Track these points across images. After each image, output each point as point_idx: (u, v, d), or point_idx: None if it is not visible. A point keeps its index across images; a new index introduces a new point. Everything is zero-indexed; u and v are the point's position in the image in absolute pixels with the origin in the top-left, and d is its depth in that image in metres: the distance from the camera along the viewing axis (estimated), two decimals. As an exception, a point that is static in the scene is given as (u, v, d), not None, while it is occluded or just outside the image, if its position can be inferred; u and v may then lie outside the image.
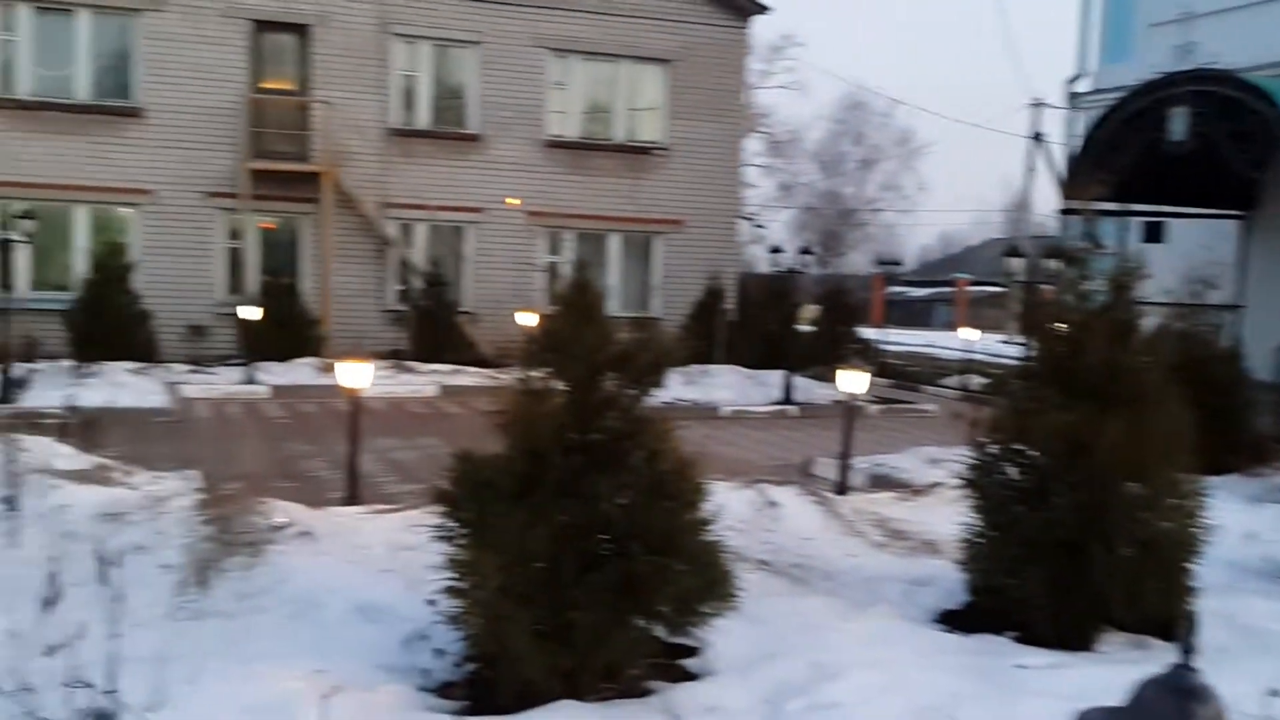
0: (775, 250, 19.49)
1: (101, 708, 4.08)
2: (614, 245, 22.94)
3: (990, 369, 22.85)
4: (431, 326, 20.06)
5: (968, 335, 21.46)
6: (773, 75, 42.37)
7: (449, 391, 17.53)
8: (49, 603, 4.37)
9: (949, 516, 6.99)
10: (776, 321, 20.26)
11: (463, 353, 20.11)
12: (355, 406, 8.85)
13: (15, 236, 14.27)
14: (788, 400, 17.09)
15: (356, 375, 8.78)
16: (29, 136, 19.13)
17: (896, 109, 51.41)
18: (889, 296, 27.65)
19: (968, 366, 20.95)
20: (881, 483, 10.35)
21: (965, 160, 79.13)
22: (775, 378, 17.80)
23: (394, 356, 19.45)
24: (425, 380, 17.98)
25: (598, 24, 22.17)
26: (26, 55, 19.36)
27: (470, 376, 18.62)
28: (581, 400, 5.05)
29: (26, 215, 15.11)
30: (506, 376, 16.55)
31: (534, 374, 5.19)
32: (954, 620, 5.94)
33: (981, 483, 5.95)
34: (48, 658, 4.25)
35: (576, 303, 5.43)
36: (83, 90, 19.70)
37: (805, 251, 19.98)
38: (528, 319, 18.83)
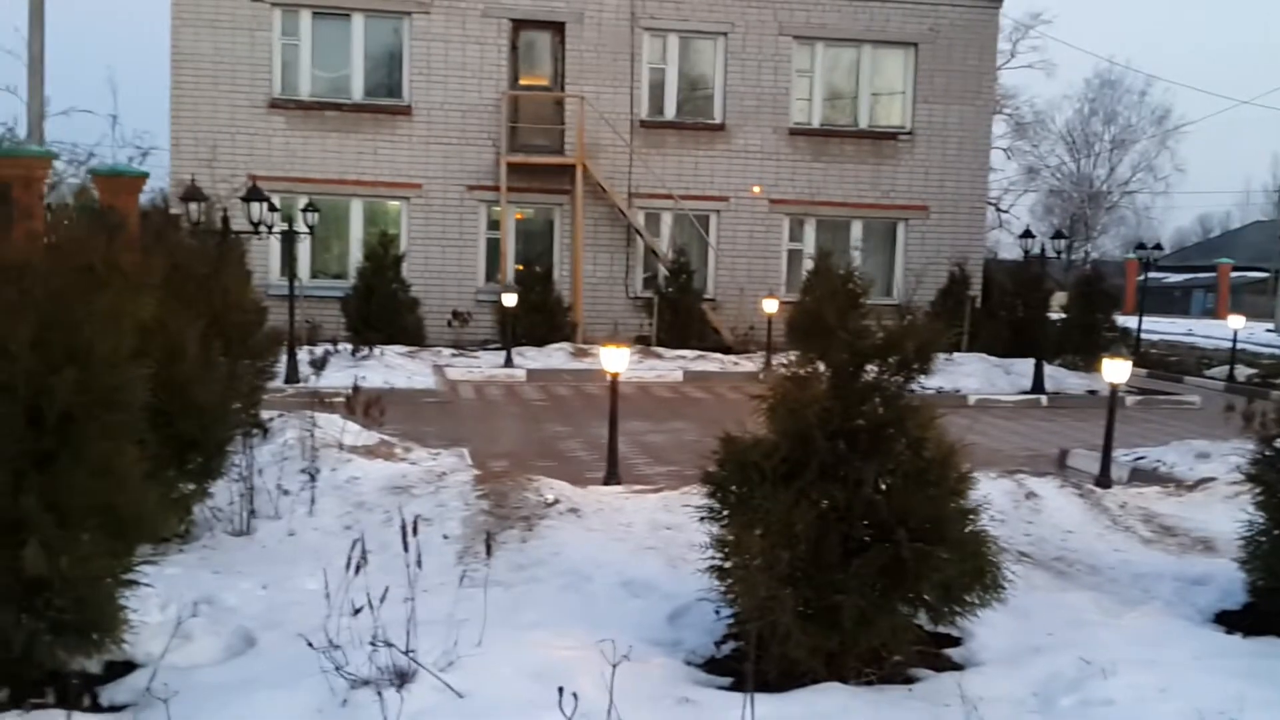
0: (1025, 235, 18.84)
1: (401, 666, 4.48)
2: (857, 231, 22.76)
3: (1260, 359, 21.49)
4: (676, 313, 20.49)
5: (1234, 323, 20.21)
6: (1018, 54, 40.88)
7: (693, 376, 17.87)
8: (353, 567, 4.79)
9: (1224, 513, 6.73)
10: (1025, 308, 19.69)
11: (706, 338, 20.46)
12: (614, 391, 9.19)
13: (299, 229, 15.43)
14: (1038, 389, 16.60)
15: (615, 360, 9.10)
16: (309, 135, 20.61)
17: (1152, 85, 48.30)
18: (1144, 282, 26.26)
19: (1234, 356, 19.76)
20: (1145, 476, 9.98)
21: (1228, 138, 74.04)
22: (1023, 366, 17.31)
23: (640, 342, 19.95)
24: (670, 365, 18.38)
25: (844, 10, 22.01)
26: (306, 58, 20.84)
27: (713, 362, 18.94)
28: (845, 386, 5.15)
29: (309, 209, 16.31)
30: (749, 362, 16.80)
31: (798, 359, 5.30)
32: (1233, 621, 5.72)
33: (1267, 478, 5.70)
34: (352, 618, 4.62)
35: (840, 289, 5.51)
36: (357, 90, 21.05)
37: (1058, 235, 19.23)
38: (770, 305, 19.00)
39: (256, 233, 12.92)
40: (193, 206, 10.68)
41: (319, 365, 11.45)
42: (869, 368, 5.14)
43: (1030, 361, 17.00)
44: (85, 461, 5.36)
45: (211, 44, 20.06)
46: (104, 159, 12.49)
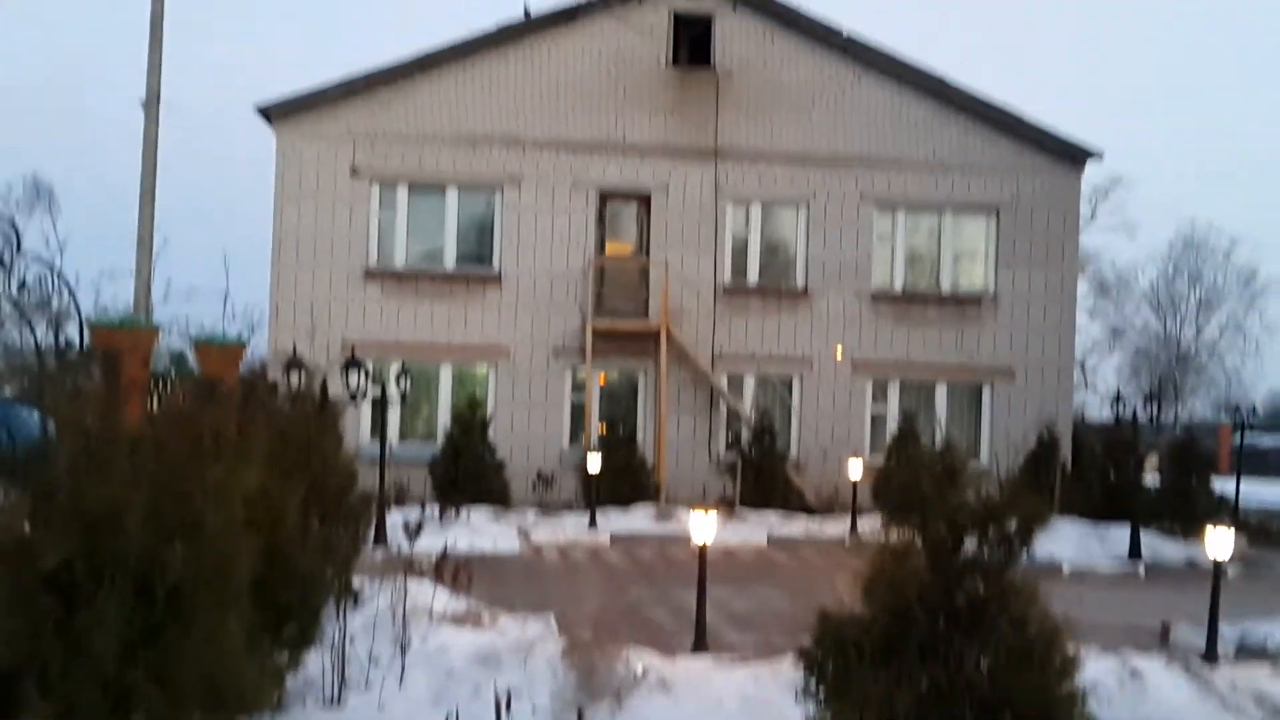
0: (1116, 399, 18.62)
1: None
2: (941, 394, 22.66)
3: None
4: (759, 475, 20.44)
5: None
6: (1099, 217, 40.95)
7: (777, 541, 17.70)
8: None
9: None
10: (1117, 471, 19.31)
11: (790, 501, 20.33)
12: (702, 560, 9.16)
13: (392, 393, 15.81)
14: (1134, 556, 16.14)
15: (703, 528, 9.10)
16: (403, 303, 21.29)
17: (1237, 246, 47.79)
18: (1240, 446, 25.60)
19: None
20: (1254, 652, 9.60)
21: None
22: (1117, 532, 16.89)
23: (723, 504, 19.85)
24: (754, 528, 18.25)
25: (924, 178, 22.41)
26: (402, 230, 21.68)
27: (797, 525, 18.78)
28: (944, 561, 5.10)
29: (403, 375, 16.73)
30: (833, 525, 16.51)
31: (895, 533, 5.28)
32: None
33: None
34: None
35: (936, 460, 5.52)
36: (449, 260, 21.79)
37: (1150, 398, 18.97)
38: (855, 468, 18.88)
39: (354, 400, 13.28)
40: (293, 375, 11.09)
41: (413, 532, 11.57)
42: (968, 540, 5.10)
43: (1125, 527, 16.57)
44: (193, 634, 5.46)
45: (313, 218, 21.00)
46: (215, 332, 13.00)
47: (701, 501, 19.38)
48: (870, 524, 18.41)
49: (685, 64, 22.19)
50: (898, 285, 22.71)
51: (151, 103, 17.06)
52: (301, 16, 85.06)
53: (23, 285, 13.70)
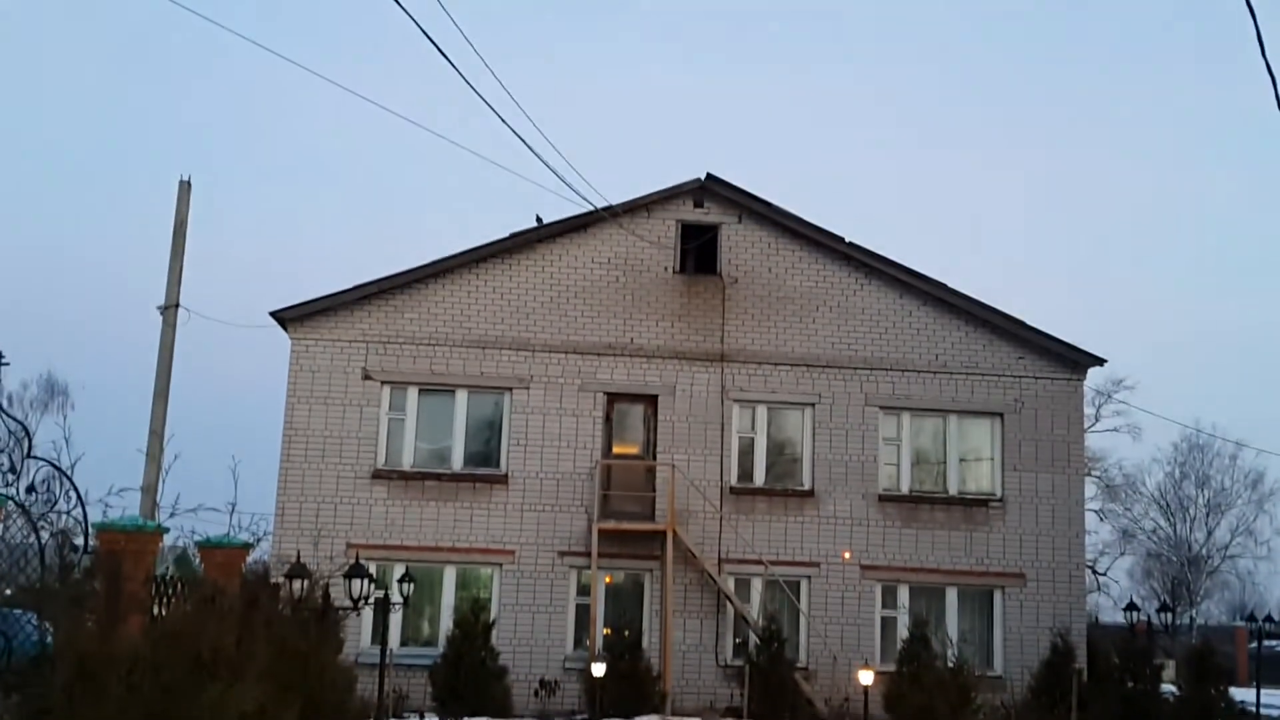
0: (1130, 608, 18.35)
1: None
2: (951, 599, 22.34)
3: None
4: (768, 683, 19.94)
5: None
6: (1103, 418, 41.12)
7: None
8: None
9: None
10: (1135, 681, 18.88)
11: (800, 709, 19.80)
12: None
13: (394, 598, 15.65)
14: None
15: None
16: (409, 503, 21.30)
17: (1243, 450, 47.74)
18: (1258, 653, 25.05)
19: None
20: None
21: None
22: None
23: (731, 714, 19.39)
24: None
25: (928, 382, 22.67)
26: (410, 431, 21.87)
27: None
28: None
29: (405, 579, 16.60)
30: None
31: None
32: None
33: None
34: None
35: (949, 681, 5.45)
36: (457, 460, 21.90)
37: (1164, 609, 18.70)
38: (866, 676, 18.46)
39: (356, 608, 13.16)
40: (295, 584, 11.04)
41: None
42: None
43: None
44: None
45: (323, 419, 21.23)
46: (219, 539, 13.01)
47: (708, 711, 18.91)
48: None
49: (692, 271, 22.79)
50: (904, 487, 22.68)
51: (170, 308, 17.50)
52: (318, 223, 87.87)
53: (31, 489, 13.73)
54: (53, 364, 48.10)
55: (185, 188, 18.15)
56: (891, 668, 19.95)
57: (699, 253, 22.96)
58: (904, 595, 22.25)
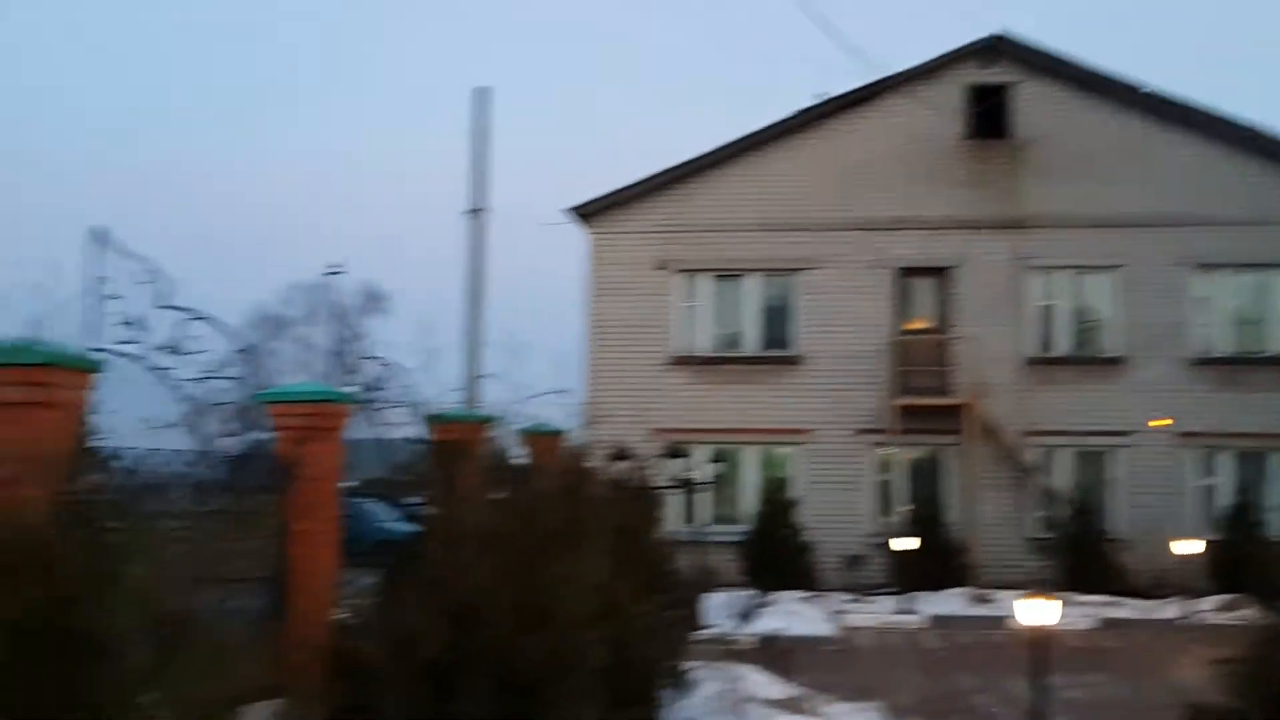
0: None
1: None
2: (1274, 465, 21.06)
3: None
4: (1078, 555, 19.54)
5: None
6: None
7: (1104, 624, 16.83)
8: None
9: None
10: None
11: (1112, 582, 19.27)
12: (1039, 648, 8.91)
13: (701, 478, 16.25)
14: None
15: (1038, 612, 8.85)
16: (707, 388, 21.89)
17: None
18: None
19: None
20: None
21: None
22: None
23: (1038, 585, 19.06)
24: (1077, 612, 17.37)
25: (1248, 235, 21.08)
26: (705, 318, 22.39)
27: (1124, 608, 17.78)
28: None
29: (715, 460, 17.15)
30: (1166, 607, 15.54)
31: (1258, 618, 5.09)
32: None
33: None
34: None
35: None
36: (750, 344, 22.29)
37: None
38: (1187, 546, 17.76)
39: (681, 489, 13.76)
40: (619, 465, 11.71)
41: (743, 617, 11.85)
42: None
43: None
44: (551, 721, 5.91)
45: (623, 309, 21.98)
46: (540, 422, 13.85)
47: (1018, 583, 18.71)
48: (1208, 606, 17.32)
49: (981, 136, 21.95)
50: (1220, 349, 21.38)
51: (476, 211, 18.50)
52: (601, 118, 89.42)
53: (369, 386, 14.95)
54: (368, 272, 51.68)
55: (482, 94, 18.98)
56: (1211, 538, 19.13)
57: (988, 116, 22.04)
58: (1223, 462, 21.15)
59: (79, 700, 3.54)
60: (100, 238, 7.56)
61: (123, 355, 7.18)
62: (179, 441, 7.43)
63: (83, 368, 5.02)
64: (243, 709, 4.48)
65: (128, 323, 7.25)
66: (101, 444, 5.68)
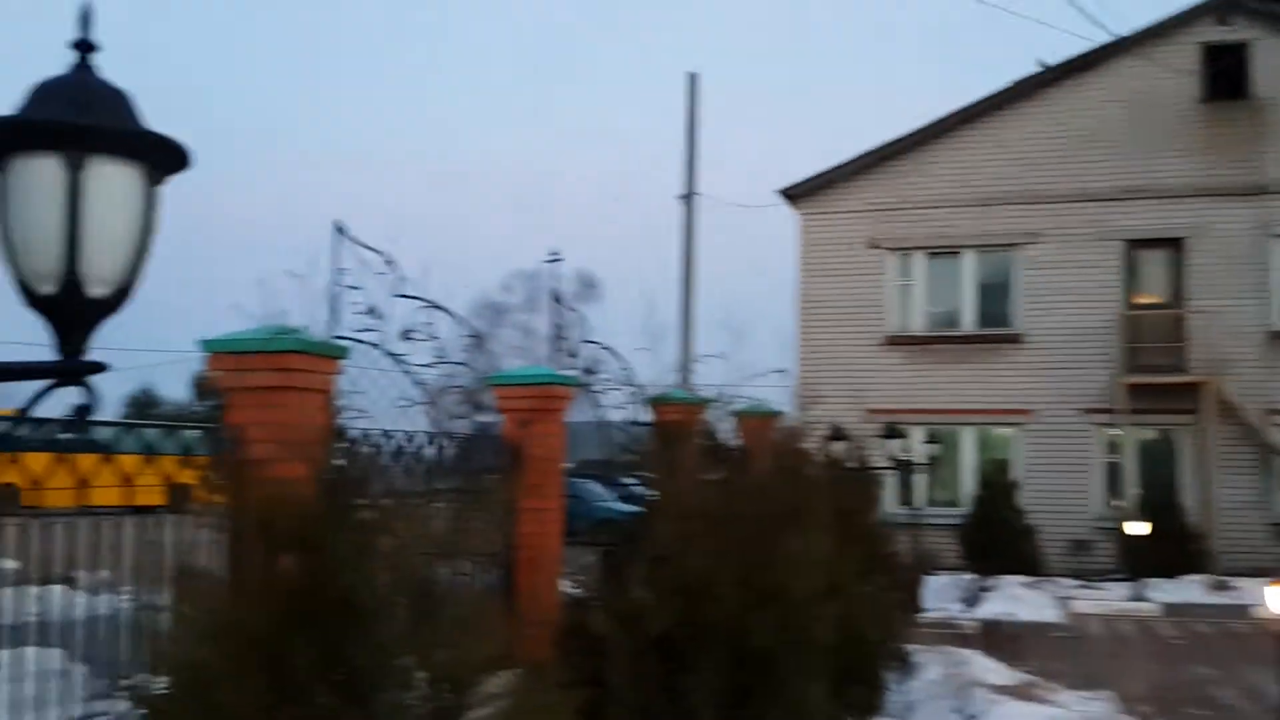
0: None
1: None
2: None
3: None
4: (1333, 542, 18.27)
5: None
6: None
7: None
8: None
9: None
10: None
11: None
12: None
13: (917, 459, 15.96)
14: None
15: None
16: (922, 368, 21.44)
17: None
18: None
19: None
20: None
21: None
22: None
23: (1288, 575, 17.93)
24: (1331, 604, 16.28)
25: None
26: (920, 296, 21.92)
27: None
28: None
29: (931, 441, 16.82)
30: None
31: None
32: None
33: None
34: None
35: None
36: (967, 322, 21.70)
37: None
38: None
39: (902, 470, 13.58)
40: (836, 444, 11.64)
41: (968, 601, 11.63)
42: None
43: None
44: (780, 698, 5.94)
45: (834, 289, 21.77)
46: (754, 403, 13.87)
47: (1261, 570, 17.69)
48: None
49: (1217, 97, 20.67)
50: None
51: (688, 196, 18.64)
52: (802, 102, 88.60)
53: (589, 369, 15.29)
54: (578, 258, 52.81)
55: (693, 80, 19.08)
56: None
57: (1225, 76, 20.73)
58: None
59: (341, 662, 3.78)
60: (341, 230, 7.98)
61: (363, 343, 7.58)
62: (416, 424, 7.77)
63: (329, 354, 5.31)
64: (486, 676, 4.68)
65: (367, 311, 7.63)
66: (349, 426, 6.01)
